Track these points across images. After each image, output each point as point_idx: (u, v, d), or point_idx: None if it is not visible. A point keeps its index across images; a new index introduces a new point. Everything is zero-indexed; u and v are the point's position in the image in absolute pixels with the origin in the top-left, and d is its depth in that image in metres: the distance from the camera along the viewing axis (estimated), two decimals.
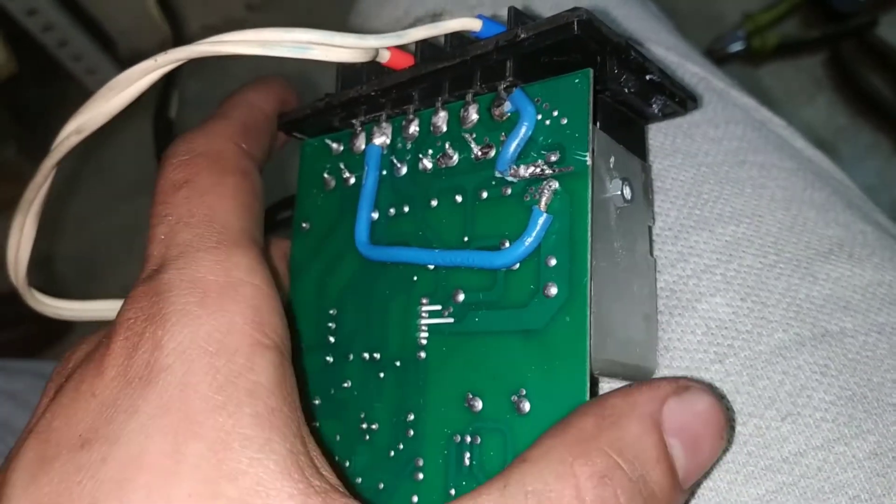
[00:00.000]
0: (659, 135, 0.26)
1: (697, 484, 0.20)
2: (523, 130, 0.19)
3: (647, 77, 0.20)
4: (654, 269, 0.21)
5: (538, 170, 0.19)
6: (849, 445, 0.20)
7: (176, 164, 0.20)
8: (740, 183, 0.24)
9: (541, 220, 0.18)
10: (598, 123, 0.19)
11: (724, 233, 0.23)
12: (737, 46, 0.89)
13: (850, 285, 0.23)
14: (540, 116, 0.19)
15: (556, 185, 0.18)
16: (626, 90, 0.20)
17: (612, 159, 0.19)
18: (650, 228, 0.21)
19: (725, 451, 0.20)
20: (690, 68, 0.29)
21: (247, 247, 0.18)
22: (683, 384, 0.16)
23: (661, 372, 0.21)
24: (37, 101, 1.05)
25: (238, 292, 0.17)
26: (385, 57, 0.21)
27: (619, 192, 0.19)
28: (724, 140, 0.26)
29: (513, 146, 0.19)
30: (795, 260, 0.23)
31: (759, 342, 0.21)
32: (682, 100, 0.21)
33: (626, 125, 0.21)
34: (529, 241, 0.18)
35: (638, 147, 0.21)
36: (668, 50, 0.29)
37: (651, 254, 0.21)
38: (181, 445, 0.15)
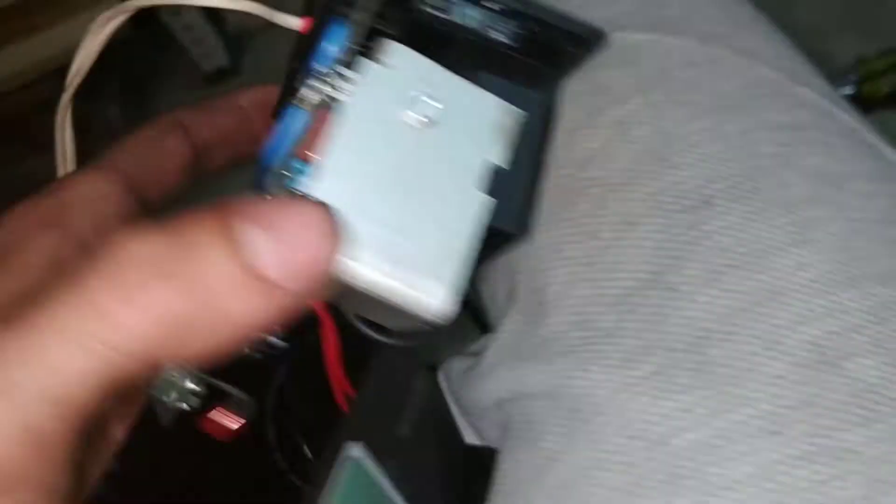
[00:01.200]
0: (808, 184, 0.25)
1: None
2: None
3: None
4: (479, 208, 0.20)
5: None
6: None
7: None
8: (893, 244, 0.24)
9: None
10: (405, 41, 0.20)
11: (874, 293, 0.22)
12: (847, 90, 0.87)
13: None
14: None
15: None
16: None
17: (417, 75, 0.20)
18: (490, 164, 0.20)
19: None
20: (842, 117, 0.28)
21: None
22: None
23: (799, 428, 0.21)
24: (143, 66, 1.08)
25: None
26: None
27: (410, 101, 0.20)
28: (876, 197, 0.25)
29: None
30: None
31: None
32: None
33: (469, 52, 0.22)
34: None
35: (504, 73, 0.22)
36: (822, 97, 0.28)
37: (485, 191, 0.20)
38: None
